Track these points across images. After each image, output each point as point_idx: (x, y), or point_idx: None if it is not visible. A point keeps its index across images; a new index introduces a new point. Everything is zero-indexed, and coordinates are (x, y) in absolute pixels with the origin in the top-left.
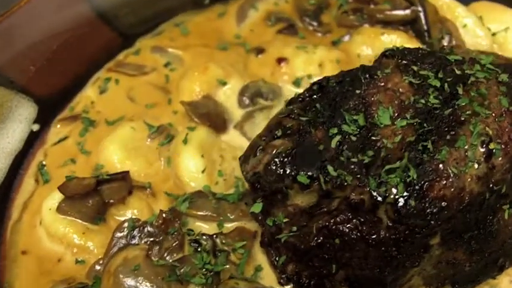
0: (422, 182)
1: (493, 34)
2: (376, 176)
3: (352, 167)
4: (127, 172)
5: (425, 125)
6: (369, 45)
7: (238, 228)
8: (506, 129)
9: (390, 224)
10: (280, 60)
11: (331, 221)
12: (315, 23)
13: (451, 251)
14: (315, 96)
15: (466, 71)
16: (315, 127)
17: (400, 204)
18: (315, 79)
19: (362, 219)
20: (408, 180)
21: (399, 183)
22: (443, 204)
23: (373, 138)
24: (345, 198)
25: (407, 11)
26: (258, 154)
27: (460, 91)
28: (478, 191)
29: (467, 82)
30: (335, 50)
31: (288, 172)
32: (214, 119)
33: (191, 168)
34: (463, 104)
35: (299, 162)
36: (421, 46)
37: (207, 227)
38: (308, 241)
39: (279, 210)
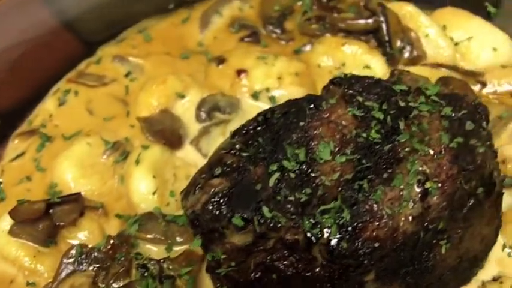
0: (355, 224)
1: (456, 44)
2: (311, 216)
3: (288, 206)
4: (79, 194)
5: (364, 161)
6: (329, 55)
7: (186, 252)
8: (445, 167)
9: (324, 263)
10: (239, 71)
11: (268, 257)
12: (278, 31)
13: (386, 286)
14: (259, 128)
15: (410, 103)
16: (255, 163)
17: (333, 245)
18: (274, 92)
19: (298, 257)
20: (341, 221)
21: (332, 225)
22: (376, 244)
23: (312, 174)
24: (280, 238)
25: (369, 21)
26: (196, 192)
27: (402, 125)
28: (412, 230)
29: (410, 116)
30: (295, 62)
31: (223, 213)
32: (169, 135)
33: (142, 189)
34: (403, 140)
35: (235, 204)
36: (382, 57)
37: (156, 250)
38: (246, 275)
39: (217, 246)
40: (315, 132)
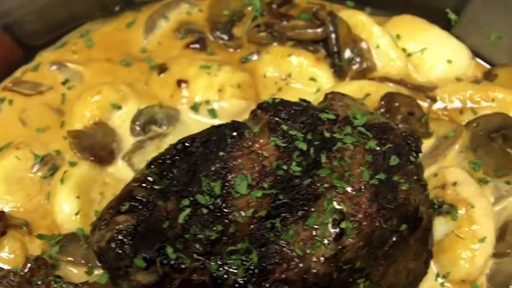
0: (263, 265)
1: (409, 55)
2: (219, 257)
3: (196, 246)
4: (2, 212)
5: (281, 196)
6: (276, 66)
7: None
8: (363, 206)
9: None
10: (180, 82)
11: None
12: (225, 37)
13: None
14: (176, 157)
15: (335, 134)
16: (166, 198)
17: (239, 286)
18: (214, 105)
19: None
20: (248, 263)
21: (240, 266)
22: (285, 287)
23: (226, 210)
24: (186, 279)
25: (318, 30)
26: (102, 228)
27: (323, 159)
28: (324, 271)
29: (333, 148)
30: (239, 72)
31: (126, 253)
32: (98, 151)
33: (65, 210)
34: (323, 175)
35: (138, 243)
36: (329, 68)
37: (76, 272)
38: None
39: (124, 282)
40: (234, 163)
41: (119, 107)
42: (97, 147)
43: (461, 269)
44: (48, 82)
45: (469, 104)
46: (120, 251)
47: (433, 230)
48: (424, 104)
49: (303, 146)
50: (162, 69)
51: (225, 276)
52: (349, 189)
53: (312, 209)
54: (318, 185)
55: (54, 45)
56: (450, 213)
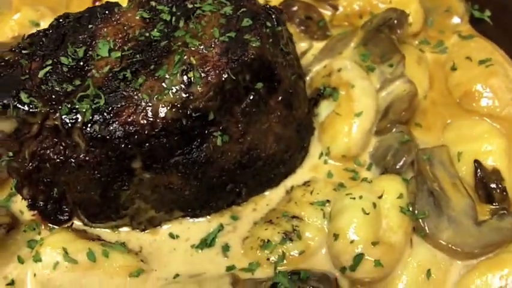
0: (110, 108)
1: None
2: (69, 103)
3: (50, 94)
4: None
5: (137, 56)
6: None
7: None
8: (212, 59)
9: (86, 148)
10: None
11: (39, 146)
12: None
13: (162, 176)
14: (50, 31)
15: (196, 5)
16: (31, 59)
17: (88, 129)
18: None
19: (64, 144)
20: (96, 106)
21: (87, 110)
22: (132, 128)
23: (86, 68)
24: (42, 124)
25: None
26: None
27: (181, 23)
28: (172, 117)
29: (192, 15)
30: None
31: None
32: None
33: None
34: (178, 35)
35: None
36: None
37: None
38: (25, 166)
39: None
40: (100, 32)
41: (37, 24)
42: None
43: (340, 143)
44: None
45: (368, 9)
46: None
47: (317, 108)
48: (327, 12)
49: (167, 17)
50: None
51: (74, 118)
52: (199, 45)
53: (164, 62)
54: (172, 44)
55: None
56: (332, 95)
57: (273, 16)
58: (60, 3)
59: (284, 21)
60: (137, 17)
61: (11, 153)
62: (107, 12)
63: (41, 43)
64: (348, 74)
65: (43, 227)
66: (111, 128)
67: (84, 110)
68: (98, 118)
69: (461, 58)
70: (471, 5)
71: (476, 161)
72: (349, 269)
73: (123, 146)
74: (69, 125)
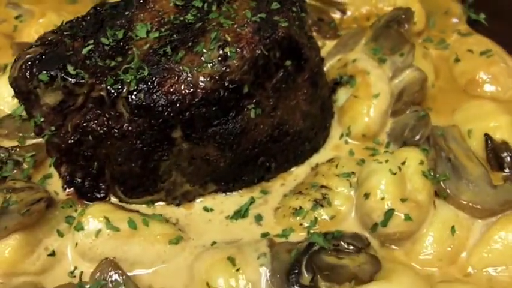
0: (154, 78)
1: None
2: (114, 75)
3: (96, 69)
4: None
5: (175, 36)
6: None
7: (37, 144)
8: (247, 36)
9: (130, 118)
10: None
11: (83, 119)
12: None
13: (200, 147)
14: (88, 17)
15: None
16: (73, 39)
17: (132, 97)
18: None
19: (107, 115)
20: (140, 76)
21: (132, 80)
22: (174, 97)
23: (126, 47)
24: (87, 95)
25: None
26: (16, 61)
27: (214, 8)
28: (211, 87)
29: (224, 1)
30: None
31: (33, 72)
32: None
33: (3, 93)
34: (212, 17)
35: (44, 64)
36: None
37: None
38: (66, 140)
39: (36, 110)
40: (137, 17)
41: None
42: None
43: (360, 123)
44: (3, 16)
45: (374, 11)
46: (27, 73)
47: (335, 95)
48: (336, 16)
49: (199, 4)
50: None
51: (119, 88)
52: (233, 25)
53: (201, 40)
54: (207, 25)
55: None
56: (349, 83)
57: (297, 3)
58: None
59: (306, 9)
60: (171, 4)
61: (53, 128)
62: (141, 1)
63: (80, 26)
64: (363, 64)
65: (79, 206)
66: (155, 96)
67: (128, 81)
68: (142, 87)
69: (463, 51)
70: (468, 8)
71: (486, 134)
72: (381, 224)
73: (165, 114)
74: (115, 94)
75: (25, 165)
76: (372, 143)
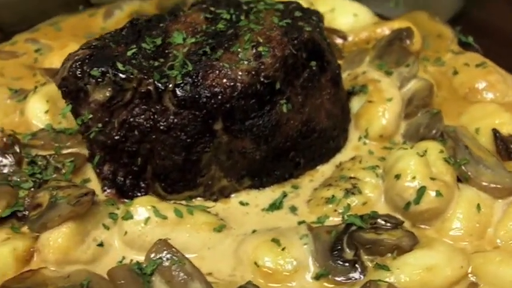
0: (197, 73)
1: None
2: (161, 72)
3: (143, 64)
4: None
5: (210, 41)
6: None
7: (73, 152)
8: (276, 38)
9: (175, 110)
10: None
11: (129, 114)
12: None
13: (238, 140)
14: (126, 29)
15: (251, 5)
16: (117, 44)
17: (178, 90)
18: None
19: (153, 110)
20: (185, 71)
21: (177, 75)
22: (217, 89)
23: (166, 51)
24: (135, 90)
25: None
26: (64, 64)
27: (243, 17)
28: (248, 81)
29: (251, 12)
30: None
31: (84, 69)
32: None
33: (36, 109)
34: (243, 24)
35: (94, 62)
36: None
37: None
38: (113, 136)
39: (84, 109)
40: (172, 28)
41: None
42: None
43: (377, 124)
44: (23, 50)
45: (373, 36)
46: (78, 71)
47: (349, 103)
48: (339, 41)
49: (227, 16)
50: None
51: (166, 82)
52: (262, 29)
53: (235, 43)
54: (238, 31)
55: (28, 31)
56: (362, 91)
57: (316, 14)
58: None
59: (323, 20)
60: (201, 17)
61: (100, 125)
62: (173, 16)
63: (120, 35)
64: (372, 74)
65: (120, 205)
66: (199, 89)
67: (174, 75)
68: (187, 81)
69: (459, 65)
70: (458, 32)
71: (494, 129)
72: (414, 202)
73: (208, 106)
74: (163, 88)
75: (64, 170)
76: (388, 143)
